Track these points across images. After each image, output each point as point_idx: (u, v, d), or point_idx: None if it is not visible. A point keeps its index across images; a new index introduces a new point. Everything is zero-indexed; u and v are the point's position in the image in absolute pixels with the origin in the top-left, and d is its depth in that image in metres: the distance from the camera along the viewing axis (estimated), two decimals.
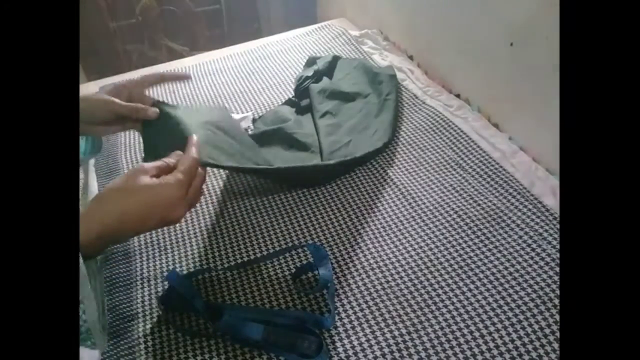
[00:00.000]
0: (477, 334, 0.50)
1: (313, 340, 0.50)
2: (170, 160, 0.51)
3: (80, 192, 0.77)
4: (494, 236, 0.60)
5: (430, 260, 0.58)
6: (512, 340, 0.49)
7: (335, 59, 0.99)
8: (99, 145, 0.69)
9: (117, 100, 0.57)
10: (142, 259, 0.62)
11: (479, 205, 0.64)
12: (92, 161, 0.82)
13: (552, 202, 0.63)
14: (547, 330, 0.49)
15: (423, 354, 0.49)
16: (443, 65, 0.93)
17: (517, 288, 0.54)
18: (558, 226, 0.60)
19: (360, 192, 0.69)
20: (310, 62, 1.01)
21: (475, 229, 0.61)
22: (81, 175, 0.80)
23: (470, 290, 0.54)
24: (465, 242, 0.60)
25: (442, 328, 0.51)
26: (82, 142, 0.65)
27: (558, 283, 0.53)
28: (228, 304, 0.56)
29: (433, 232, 0.61)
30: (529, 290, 0.53)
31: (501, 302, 0.52)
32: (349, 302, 0.54)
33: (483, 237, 0.60)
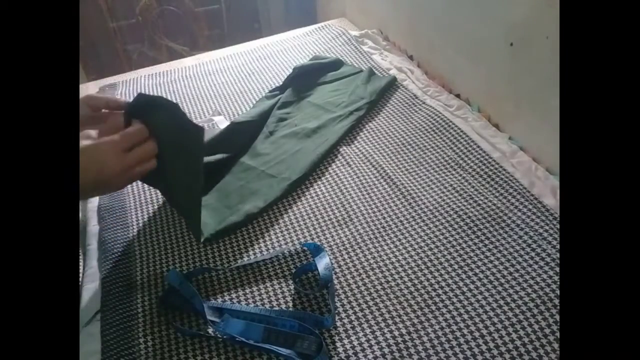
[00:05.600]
0: (477, 334, 0.50)
1: (313, 340, 0.50)
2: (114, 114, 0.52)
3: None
4: (494, 236, 0.60)
5: (430, 260, 0.58)
6: (512, 340, 0.49)
7: (339, 63, 0.99)
8: None
9: (95, 94, 0.59)
10: (142, 259, 0.62)
11: (479, 205, 0.64)
12: None
13: (552, 202, 0.63)
14: (547, 330, 0.49)
15: (423, 354, 0.49)
16: (443, 65, 0.93)
17: (517, 288, 0.54)
18: (558, 226, 0.60)
19: (360, 192, 0.69)
20: (315, 59, 1.00)
21: (475, 229, 0.61)
22: None
23: (470, 290, 0.54)
24: (465, 242, 0.60)
25: (442, 328, 0.51)
26: None
27: (558, 283, 0.53)
28: (228, 304, 0.56)
29: (433, 232, 0.61)
30: (529, 290, 0.53)
31: (501, 302, 0.52)
32: (349, 302, 0.54)
33: (483, 237, 0.60)
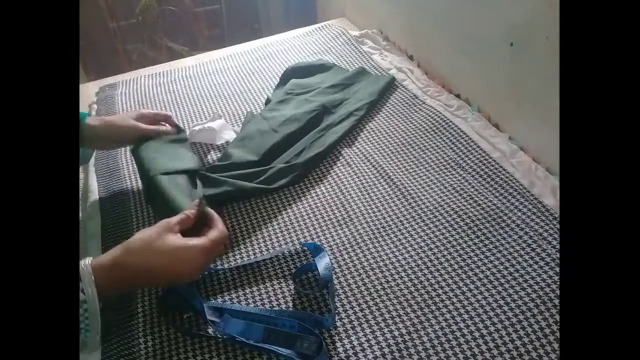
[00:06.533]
0: (477, 334, 0.50)
1: (313, 340, 0.50)
2: (189, 212, 0.53)
3: (80, 192, 0.77)
4: (494, 236, 0.60)
5: (430, 260, 0.58)
6: (512, 340, 0.49)
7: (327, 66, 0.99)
8: (89, 155, 0.81)
9: (142, 125, 0.70)
10: None
11: (479, 205, 0.64)
12: (92, 161, 0.82)
13: (552, 202, 0.63)
14: (547, 330, 0.49)
15: (423, 354, 0.49)
16: (443, 65, 0.93)
17: (517, 288, 0.54)
18: (558, 226, 0.60)
19: (360, 192, 0.69)
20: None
21: (475, 229, 0.61)
22: (81, 176, 0.80)
23: (470, 290, 0.54)
24: (465, 242, 0.60)
25: (442, 328, 0.51)
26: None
27: (558, 283, 0.53)
28: (228, 303, 0.56)
29: (433, 232, 0.61)
30: (529, 290, 0.53)
31: (501, 302, 0.52)
32: (349, 302, 0.54)
33: (483, 237, 0.60)
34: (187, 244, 0.49)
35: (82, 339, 0.43)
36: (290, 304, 0.55)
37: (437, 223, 0.63)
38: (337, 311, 0.53)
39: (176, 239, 0.49)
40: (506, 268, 0.56)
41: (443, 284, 0.55)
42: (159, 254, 0.48)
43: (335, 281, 0.57)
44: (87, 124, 0.66)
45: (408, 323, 0.52)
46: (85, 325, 0.43)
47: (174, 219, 0.51)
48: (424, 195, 0.67)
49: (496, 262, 0.57)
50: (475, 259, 0.58)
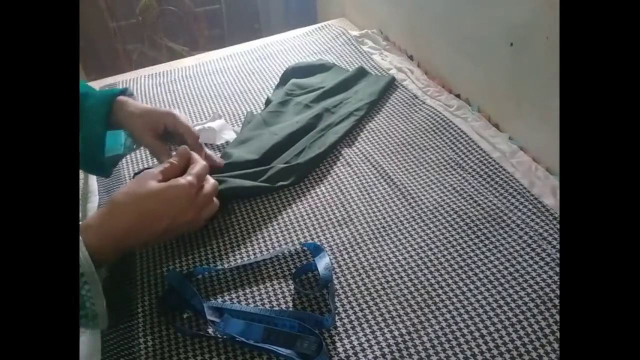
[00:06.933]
0: (477, 334, 0.50)
1: (313, 340, 0.50)
2: (174, 159, 0.51)
3: (79, 192, 0.77)
4: (494, 236, 0.60)
5: (430, 260, 0.58)
6: (512, 340, 0.49)
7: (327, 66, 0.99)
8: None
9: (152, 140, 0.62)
10: (142, 259, 0.62)
11: (479, 205, 0.64)
12: None
13: (552, 202, 0.63)
14: (547, 330, 0.49)
15: (423, 354, 0.49)
16: (443, 65, 0.93)
17: (517, 288, 0.54)
18: (558, 226, 0.60)
19: (360, 192, 0.69)
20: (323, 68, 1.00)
21: (475, 229, 0.61)
22: (81, 176, 0.80)
23: (470, 290, 0.54)
24: (465, 242, 0.60)
25: (442, 328, 0.51)
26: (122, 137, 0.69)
27: (558, 283, 0.53)
28: (228, 303, 0.56)
29: (433, 232, 0.61)
30: (529, 290, 0.53)
31: (501, 302, 0.52)
32: (349, 302, 0.54)
33: (483, 237, 0.60)
34: (171, 184, 0.48)
35: (88, 308, 0.41)
36: (290, 304, 0.55)
37: (437, 223, 0.63)
38: (337, 311, 0.54)
39: (159, 183, 0.48)
40: (506, 268, 0.56)
41: (443, 284, 0.55)
42: (145, 198, 0.46)
43: (335, 281, 0.57)
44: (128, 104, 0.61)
45: (408, 323, 0.52)
46: (86, 291, 0.41)
47: (157, 168, 0.50)
48: (424, 195, 0.67)
49: (496, 262, 0.57)
50: (475, 259, 0.58)
